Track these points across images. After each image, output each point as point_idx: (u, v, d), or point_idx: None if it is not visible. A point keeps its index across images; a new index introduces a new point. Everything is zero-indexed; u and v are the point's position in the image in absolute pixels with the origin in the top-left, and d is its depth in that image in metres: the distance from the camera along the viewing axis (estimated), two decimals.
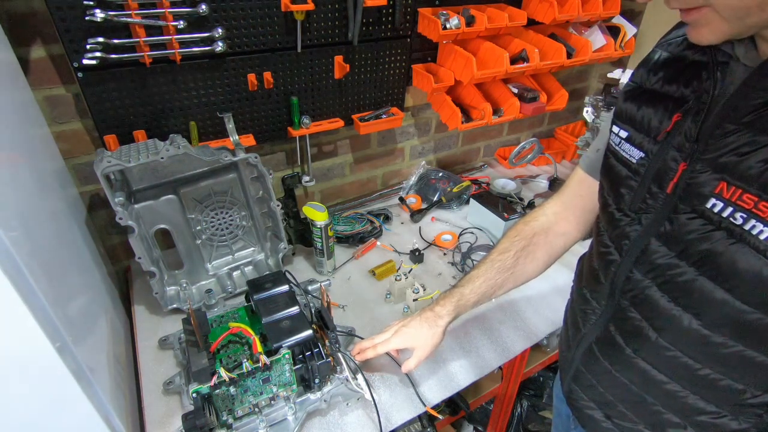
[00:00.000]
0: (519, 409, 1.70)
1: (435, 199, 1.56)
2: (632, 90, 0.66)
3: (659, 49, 0.65)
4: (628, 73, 1.58)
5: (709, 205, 0.52)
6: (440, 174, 1.63)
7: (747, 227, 0.49)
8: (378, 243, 1.38)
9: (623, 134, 0.66)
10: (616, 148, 0.67)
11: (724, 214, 0.51)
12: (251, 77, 1.17)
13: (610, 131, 0.69)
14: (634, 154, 0.63)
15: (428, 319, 0.88)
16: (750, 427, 0.61)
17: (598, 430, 0.78)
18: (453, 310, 0.88)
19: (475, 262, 1.31)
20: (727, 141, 0.51)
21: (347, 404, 0.92)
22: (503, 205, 1.41)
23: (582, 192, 0.85)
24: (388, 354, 1.01)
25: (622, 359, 0.69)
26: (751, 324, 0.53)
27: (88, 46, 0.94)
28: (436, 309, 0.89)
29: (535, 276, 0.91)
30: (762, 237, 0.48)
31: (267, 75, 1.18)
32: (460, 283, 0.90)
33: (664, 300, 0.60)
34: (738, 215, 0.50)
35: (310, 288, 1.17)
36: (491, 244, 1.39)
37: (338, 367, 0.94)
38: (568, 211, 0.88)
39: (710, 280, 0.54)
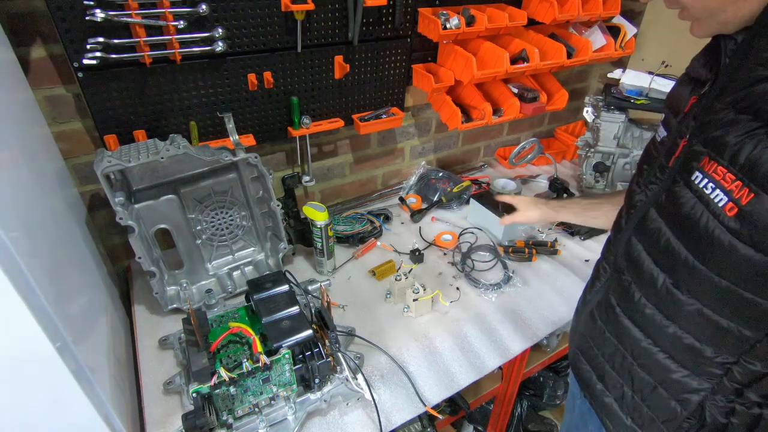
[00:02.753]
0: (519, 409, 1.70)
1: (435, 199, 1.56)
2: (681, 76, 0.72)
3: (715, 39, 0.69)
4: (629, 72, 1.58)
5: (692, 177, 0.58)
6: (440, 174, 1.63)
7: (713, 196, 0.55)
8: (378, 243, 1.38)
9: (663, 118, 0.73)
10: (657, 130, 0.73)
11: (701, 185, 0.56)
12: (251, 77, 1.17)
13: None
14: (662, 133, 0.70)
15: (539, 200, 1.17)
16: (710, 387, 0.65)
17: (594, 393, 0.83)
18: (557, 205, 1.13)
19: (475, 262, 1.31)
20: (716, 118, 0.56)
21: (347, 404, 0.92)
22: (503, 205, 1.41)
23: None
24: (387, 354, 1.01)
25: (612, 319, 0.75)
26: (708, 282, 0.58)
27: (88, 46, 0.94)
28: (547, 202, 1.16)
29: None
30: (720, 204, 0.54)
31: (267, 75, 1.18)
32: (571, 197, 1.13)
33: (648, 261, 0.67)
34: (710, 185, 0.55)
35: (310, 288, 1.17)
36: (491, 244, 1.39)
37: (338, 367, 0.94)
38: None
39: (680, 242, 0.61)
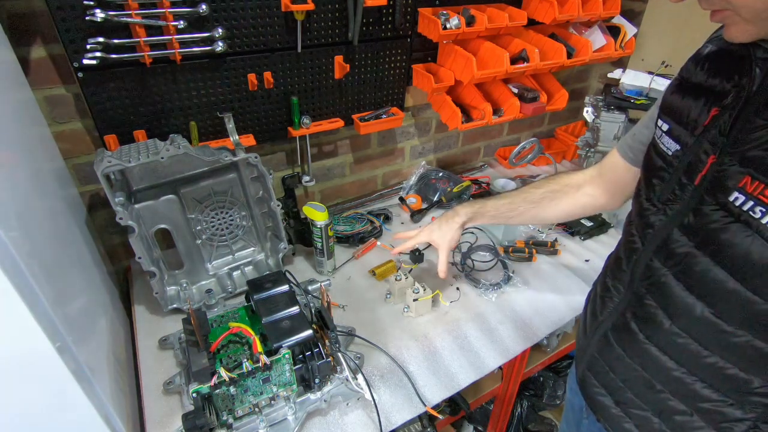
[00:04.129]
0: (519, 409, 1.70)
1: (435, 199, 1.56)
2: (678, 84, 0.67)
3: (709, 43, 0.65)
4: (629, 72, 1.58)
5: (731, 198, 0.53)
6: (440, 174, 1.63)
7: (764, 221, 0.50)
8: (378, 243, 1.38)
9: (665, 127, 0.67)
10: (657, 140, 0.68)
11: (745, 208, 0.52)
12: (251, 77, 1.17)
13: (656, 125, 0.70)
14: (671, 146, 0.64)
15: (446, 217, 1.04)
16: (755, 416, 0.61)
17: (609, 416, 0.79)
18: (470, 212, 1.01)
19: (475, 262, 1.31)
20: (756, 136, 0.52)
21: (347, 404, 0.92)
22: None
23: (615, 169, 0.90)
24: (387, 354, 1.01)
25: (634, 345, 0.70)
26: (761, 314, 0.54)
27: (88, 46, 0.94)
28: (456, 209, 1.03)
29: (551, 221, 0.97)
30: None
31: (267, 75, 1.18)
32: (486, 198, 1.03)
33: (679, 288, 0.62)
34: (758, 209, 0.50)
35: (310, 288, 1.17)
36: (491, 244, 1.39)
37: (338, 367, 0.94)
38: (602, 178, 0.94)
39: (724, 270, 0.55)
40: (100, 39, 0.95)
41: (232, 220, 1.17)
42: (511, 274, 1.27)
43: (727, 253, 0.55)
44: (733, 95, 0.56)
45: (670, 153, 0.65)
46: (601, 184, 0.94)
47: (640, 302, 0.69)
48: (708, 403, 0.64)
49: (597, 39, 1.58)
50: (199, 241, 1.15)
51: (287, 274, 1.08)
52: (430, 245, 1.37)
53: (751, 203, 0.51)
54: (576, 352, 0.91)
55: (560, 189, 0.97)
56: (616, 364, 0.76)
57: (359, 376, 0.93)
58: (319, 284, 1.17)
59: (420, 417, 1.23)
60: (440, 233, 1.03)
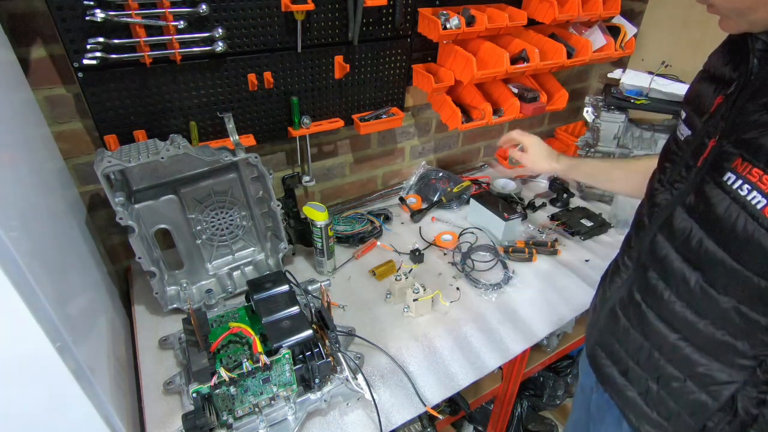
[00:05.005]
0: (519, 409, 1.71)
1: (435, 199, 1.56)
2: (699, 73, 0.73)
3: (728, 36, 0.70)
4: (629, 72, 1.58)
5: (725, 178, 0.58)
6: (440, 174, 1.63)
7: (749, 198, 0.55)
8: (378, 243, 1.38)
9: (683, 115, 0.72)
10: (677, 128, 0.74)
11: (734, 186, 0.57)
12: (251, 77, 1.17)
13: (680, 114, 0.75)
14: (684, 132, 0.70)
15: (552, 152, 1.13)
16: (742, 380, 0.66)
17: (615, 386, 0.84)
18: (569, 162, 1.10)
19: (475, 262, 1.31)
20: (749, 120, 0.57)
21: (347, 404, 0.92)
22: (503, 205, 1.41)
23: None
24: (387, 354, 1.01)
25: (638, 317, 0.76)
26: (745, 282, 0.59)
27: (88, 46, 0.94)
28: (559, 155, 1.12)
29: (637, 194, 0.96)
30: (759, 206, 0.55)
31: (267, 75, 1.18)
32: (584, 157, 1.12)
33: (678, 260, 0.67)
34: (745, 187, 0.56)
35: (310, 288, 1.17)
36: (491, 244, 1.39)
37: (338, 367, 0.94)
38: None
39: (715, 242, 0.61)
40: (100, 39, 0.95)
41: (232, 220, 1.17)
42: (511, 274, 1.27)
43: (719, 227, 0.60)
44: (736, 83, 0.61)
45: (682, 138, 0.70)
46: None
47: (644, 275, 0.74)
48: (701, 367, 0.68)
49: (597, 39, 1.58)
50: (199, 241, 1.15)
51: (287, 274, 1.08)
52: (429, 245, 1.38)
53: (739, 182, 0.56)
54: (587, 330, 0.95)
55: (641, 170, 0.98)
56: (621, 336, 0.80)
57: (359, 376, 0.93)
58: (319, 284, 1.17)
59: (420, 417, 1.23)
60: (537, 156, 1.13)
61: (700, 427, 0.71)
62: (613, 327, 0.82)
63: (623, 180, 1.03)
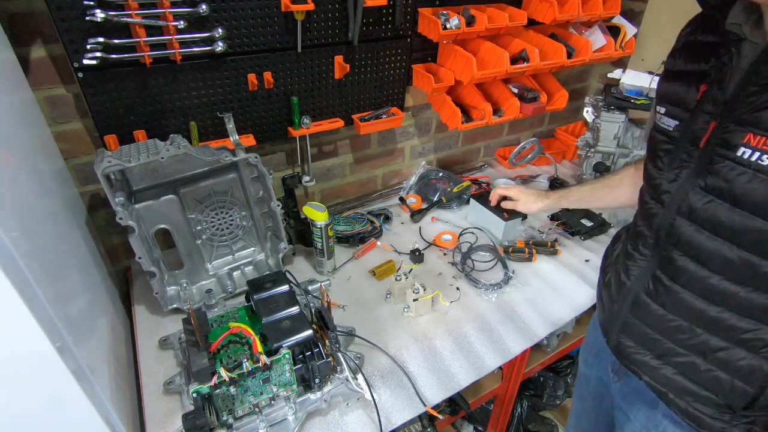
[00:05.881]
0: (519, 409, 1.71)
1: (435, 199, 1.56)
2: (665, 74, 0.80)
3: (679, 40, 0.79)
4: (629, 72, 1.58)
5: (739, 153, 0.63)
6: (440, 174, 1.63)
7: None
8: (378, 243, 1.38)
9: (662, 110, 0.77)
10: (658, 123, 0.78)
11: (753, 158, 0.62)
12: (251, 77, 1.17)
13: (655, 112, 0.80)
14: (670, 123, 0.75)
15: (538, 193, 1.26)
16: None
17: (651, 371, 0.84)
18: (558, 195, 1.22)
19: (475, 262, 1.31)
20: (751, 100, 0.62)
21: (347, 404, 0.92)
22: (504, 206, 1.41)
23: None
24: (387, 354, 1.01)
25: (671, 299, 0.77)
26: None
27: (88, 46, 0.94)
28: (547, 192, 1.26)
29: (627, 203, 1.07)
30: None
31: (267, 75, 1.18)
32: (570, 186, 1.23)
33: (705, 236, 0.70)
34: (765, 157, 0.61)
35: (310, 288, 1.17)
36: (491, 244, 1.39)
37: (338, 367, 0.94)
38: None
39: (746, 211, 0.64)
40: (100, 39, 0.95)
41: (232, 220, 1.17)
42: (511, 274, 1.27)
43: (747, 198, 0.63)
44: (715, 73, 0.68)
45: (670, 128, 0.75)
46: None
47: (670, 258, 0.76)
48: (748, 334, 0.70)
49: (597, 39, 1.58)
50: (199, 241, 1.15)
51: (287, 274, 1.08)
52: (429, 245, 1.38)
53: (758, 154, 0.61)
54: (603, 324, 0.94)
55: (635, 174, 1.04)
56: (653, 321, 0.81)
57: (359, 376, 0.93)
58: (319, 284, 1.17)
59: (420, 417, 1.23)
60: (529, 197, 1.26)
61: (757, 391, 0.72)
62: (642, 315, 0.83)
63: (609, 196, 1.11)
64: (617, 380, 0.95)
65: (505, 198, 1.32)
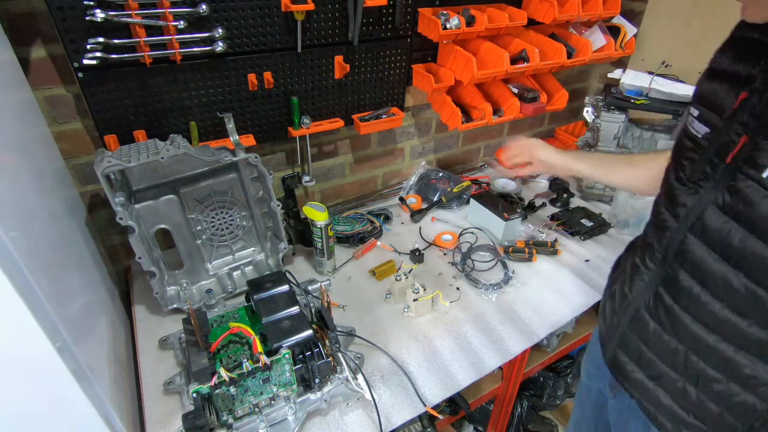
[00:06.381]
0: (519, 409, 1.70)
1: (435, 199, 1.56)
2: (706, 72, 0.71)
3: (734, 33, 0.68)
4: (629, 72, 1.58)
5: (765, 175, 0.57)
6: (440, 174, 1.63)
7: None
8: (378, 243, 1.38)
9: (695, 113, 0.70)
10: (688, 126, 0.72)
11: None
12: (251, 77, 1.17)
13: (688, 114, 0.73)
14: (700, 129, 0.68)
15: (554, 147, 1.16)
16: None
17: (644, 391, 0.81)
18: (573, 154, 1.12)
19: (475, 262, 1.31)
20: None
21: (347, 404, 0.92)
22: (503, 205, 1.41)
23: None
24: (387, 354, 1.01)
25: (671, 319, 0.73)
26: None
27: (88, 46, 0.94)
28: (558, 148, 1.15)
29: (639, 186, 1.04)
30: None
31: (267, 75, 1.18)
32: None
33: (714, 260, 0.65)
34: None
35: (310, 288, 1.17)
36: (491, 244, 1.39)
37: (338, 367, 0.94)
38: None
39: (761, 240, 0.59)
40: (100, 39, 0.95)
41: (232, 220, 1.17)
42: (511, 274, 1.27)
43: (764, 224, 0.58)
44: (761, 79, 0.59)
45: (700, 135, 0.68)
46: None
47: (675, 277, 0.71)
48: (745, 369, 0.66)
49: (597, 39, 1.58)
50: (199, 241, 1.15)
51: (287, 274, 1.08)
52: (429, 245, 1.38)
53: None
54: (602, 335, 0.92)
55: (658, 159, 0.97)
56: (652, 340, 0.77)
57: (359, 376, 0.93)
58: (319, 284, 1.17)
59: (420, 417, 1.23)
60: (546, 153, 1.14)
61: (747, 429, 0.69)
62: (640, 331, 0.79)
63: (626, 170, 1.04)
64: (612, 397, 0.93)
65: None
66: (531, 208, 1.57)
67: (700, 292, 0.68)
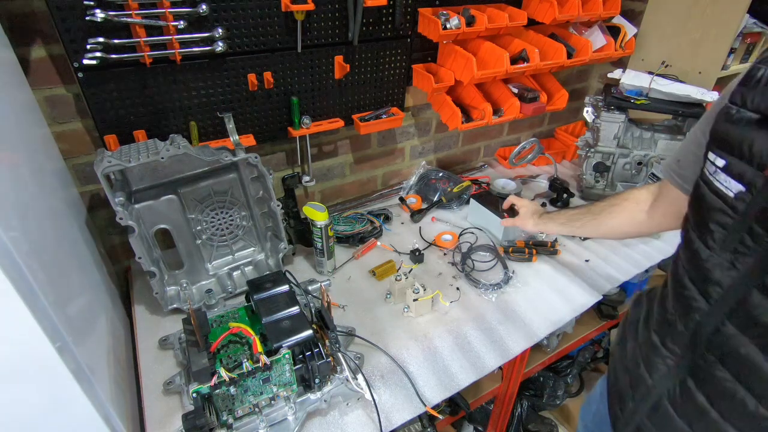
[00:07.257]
0: (519, 409, 1.70)
1: (435, 199, 1.56)
2: (729, 111, 0.57)
3: (762, 65, 0.54)
4: (629, 72, 1.58)
5: None
6: (440, 174, 1.63)
7: None
8: (378, 243, 1.38)
9: (720, 163, 0.56)
10: (711, 177, 0.58)
11: None
12: (251, 77, 1.17)
13: (705, 158, 0.60)
14: (731, 186, 0.55)
15: (538, 210, 1.23)
16: None
17: None
18: (547, 216, 1.18)
19: (475, 262, 1.31)
20: None
21: (347, 404, 0.92)
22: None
23: (670, 200, 0.86)
24: (387, 354, 1.01)
25: (705, 422, 0.60)
26: None
27: (88, 46, 0.94)
28: (545, 213, 1.21)
29: (610, 233, 1.04)
30: None
31: (267, 75, 1.18)
32: (563, 209, 1.24)
33: (763, 357, 0.52)
34: None
35: (310, 288, 1.17)
36: (491, 244, 1.39)
37: (338, 367, 0.94)
38: (657, 201, 0.92)
39: None
40: (100, 39, 0.95)
41: (232, 220, 1.17)
42: (511, 274, 1.27)
43: None
44: None
45: (732, 194, 0.55)
46: (656, 206, 0.92)
47: (710, 371, 0.59)
48: None
49: (597, 39, 1.58)
50: (199, 241, 1.15)
51: (287, 274, 1.08)
52: (429, 245, 1.38)
53: None
54: (612, 411, 0.81)
55: (620, 203, 0.98)
56: None
57: (359, 376, 0.93)
58: (319, 284, 1.17)
59: (420, 417, 1.23)
60: (525, 215, 1.24)
61: None
62: (662, 425, 0.67)
63: (592, 223, 1.05)
64: None
65: (512, 209, 1.31)
66: None
67: (748, 398, 0.55)
